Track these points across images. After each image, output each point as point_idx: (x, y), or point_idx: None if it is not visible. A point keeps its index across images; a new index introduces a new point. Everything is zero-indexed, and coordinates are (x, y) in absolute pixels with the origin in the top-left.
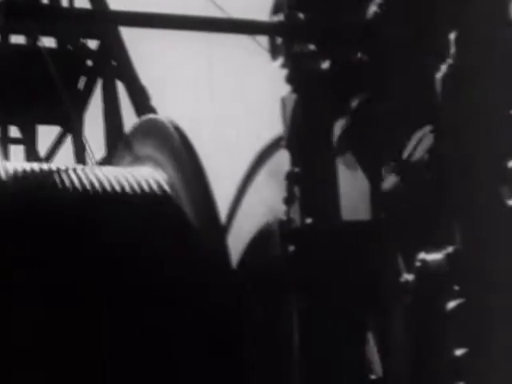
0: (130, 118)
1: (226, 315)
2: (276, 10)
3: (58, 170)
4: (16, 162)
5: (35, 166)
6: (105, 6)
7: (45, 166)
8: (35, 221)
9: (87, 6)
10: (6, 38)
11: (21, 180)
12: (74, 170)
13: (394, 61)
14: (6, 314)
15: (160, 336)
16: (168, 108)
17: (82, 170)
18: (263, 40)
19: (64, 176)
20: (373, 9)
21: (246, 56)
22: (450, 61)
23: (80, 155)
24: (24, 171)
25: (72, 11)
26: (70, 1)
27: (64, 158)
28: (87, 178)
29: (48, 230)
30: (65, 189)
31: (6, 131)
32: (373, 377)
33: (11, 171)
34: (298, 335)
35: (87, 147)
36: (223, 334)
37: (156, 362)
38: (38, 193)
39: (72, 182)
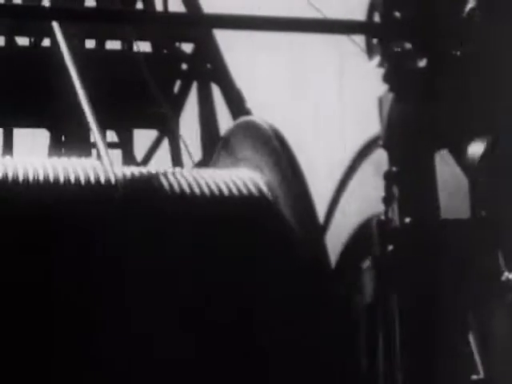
0: (225, 121)
1: (326, 314)
2: (372, 9)
3: (163, 174)
4: (125, 166)
5: (141, 169)
6: (199, 9)
7: (151, 170)
8: (144, 224)
9: (181, 9)
10: (102, 44)
11: (129, 184)
12: (177, 174)
13: (493, 57)
14: None
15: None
16: (263, 110)
17: (182, 173)
18: (360, 40)
19: (166, 179)
20: (470, 4)
21: (343, 56)
22: None
23: (176, 158)
24: (132, 175)
25: (166, 15)
26: (164, 5)
27: (161, 162)
28: (187, 180)
29: (157, 232)
30: (166, 191)
31: (103, 136)
32: (475, 377)
33: (120, 175)
34: (399, 335)
35: (185, 149)
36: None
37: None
38: (144, 195)
39: (172, 184)
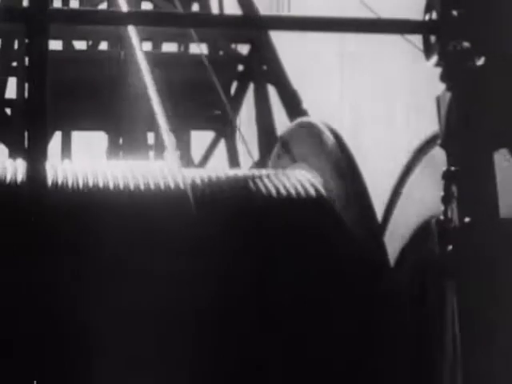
0: (281, 122)
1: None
2: (429, 8)
3: (225, 175)
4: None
5: (205, 172)
6: (255, 10)
7: (216, 172)
8: (216, 228)
9: (237, 11)
10: (158, 46)
11: (196, 187)
12: (237, 176)
13: None
14: None
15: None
16: (319, 111)
17: (243, 174)
18: (417, 39)
19: (228, 181)
20: None
21: (400, 56)
22: None
23: (234, 160)
24: (201, 178)
25: (223, 17)
26: (220, 7)
27: (217, 163)
28: (246, 182)
29: (226, 234)
30: (230, 193)
31: (160, 138)
32: None
33: (189, 179)
34: (460, 335)
35: (244, 150)
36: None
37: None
38: (211, 199)
39: (234, 187)
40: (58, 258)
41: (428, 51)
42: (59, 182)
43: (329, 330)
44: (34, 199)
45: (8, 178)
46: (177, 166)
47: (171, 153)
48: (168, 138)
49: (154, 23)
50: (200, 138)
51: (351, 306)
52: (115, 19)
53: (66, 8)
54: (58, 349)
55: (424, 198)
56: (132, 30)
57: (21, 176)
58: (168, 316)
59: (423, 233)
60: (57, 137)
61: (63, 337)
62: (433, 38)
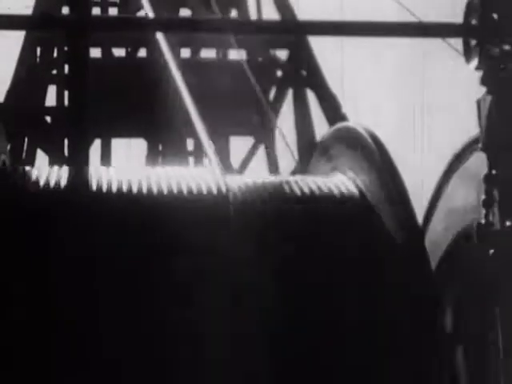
0: (320, 127)
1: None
2: (469, 11)
3: (267, 182)
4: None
5: (246, 178)
6: (293, 15)
7: (258, 179)
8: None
9: (275, 16)
10: (197, 53)
11: (239, 194)
12: (279, 180)
13: None
14: None
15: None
16: (358, 115)
17: (286, 179)
18: (457, 42)
19: (272, 187)
20: None
21: (441, 59)
22: None
23: (273, 165)
24: (243, 184)
25: (262, 23)
26: (258, 12)
27: (257, 169)
28: (290, 186)
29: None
30: (274, 199)
31: (200, 144)
32: None
33: (232, 185)
34: (502, 342)
35: (283, 155)
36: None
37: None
38: (253, 206)
39: (272, 192)
40: (106, 266)
41: (468, 55)
42: (103, 188)
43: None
44: (77, 206)
45: (50, 185)
46: (218, 172)
47: (212, 159)
48: (208, 144)
49: (192, 30)
50: (239, 144)
51: (394, 306)
52: (154, 26)
53: (106, 15)
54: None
55: (464, 203)
56: (170, 37)
57: (63, 183)
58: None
59: (464, 238)
60: (96, 144)
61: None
62: (473, 42)
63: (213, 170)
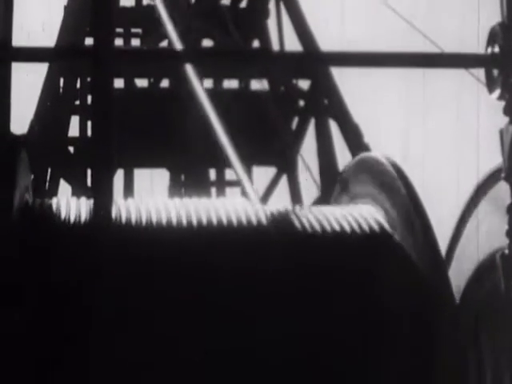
0: (343, 155)
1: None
2: (491, 41)
3: (296, 212)
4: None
5: (281, 208)
6: (315, 45)
7: (288, 208)
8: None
9: (297, 47)
10: (220, 82)
11: (277, 223)
12: (306, 212)
13: None
14: None
15: None
16: (380, 145)
17: (310, 210)
18: (479, 72)
19: (299, 217)
20: None
21: (462, 89)
22: None
23: (296, 195)
24: (279, 213)
25: (284, 53)
26: (280, 41)
27: (279, 199)
28: (316, 218)
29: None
30: (303, 229)
31: (222, 174)
32: None
33: (269, 214)
34: None
35: (307, 185)
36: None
37: None
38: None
39: (304, 223)
40: (126, 295)
41: (491, 84)
42: (132, 219)
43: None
44: (101, 237)
45: (75, 220)
46: (257, 202)
47: (248, 189)
48: (243, 174)
49: (215, 61)
50: (262, 173)
51: (418, 339)
52: (177, 57)
53: (130, 46)
54: None
55: (488, 233)
56: (193, 67)
57: (86, 215)
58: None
59: (488, 268)
60: (119, 174)
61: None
62: (495, 71)
63: (251, 200)
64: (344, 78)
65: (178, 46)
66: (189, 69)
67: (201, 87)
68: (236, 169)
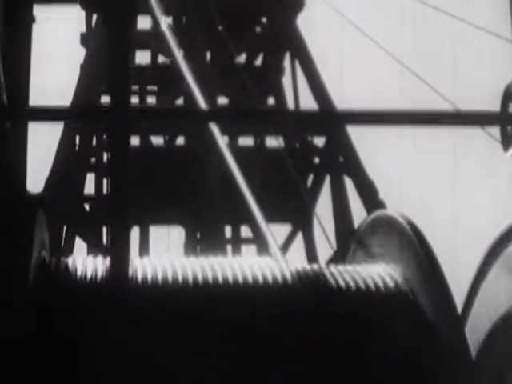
0: (359, 213)
1: None
2: (506, 99)
3: (320, 269)
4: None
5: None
6: (330, 103)
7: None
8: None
9: (313, 105)
10: (234, 140)
11: (305, 281)
12: (329, 270)
13: None
14: None
15: None
16: (397, 202)
17: (331, 269)
18: (495, 131)
19: (323, 275)
20: None
21: (477, 147)
22: None
23: (311, 252)
24: (305, 272)
25: (299, 113)
26: (295, 99)
27: (295, 256)
28: (336, 276)
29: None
30: (327, 287)
31: (237, 232)
32: None
33: (294, 272)
34: None
35: (322, 243)
36: None
37: None
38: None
39: (328, 281)
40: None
41: (506, 142)
42: (148, 278)
43: None
44: (119, 297)
45: (92, 279)
46: (282, 260)
47: (273, 246)
48: (267, 231)
49: (231, 120)
50: (277, 231)
51: None
52: (194, 116)
53: (146, 105)
54: None
55: (504, 291)
56: (213, 127)
57: (103, 273)
58: None
59: (506, 325)
60: (134, 231)
61: None
62: (510, 129)
63: (276, 258)
64: (358, 131)
65: (200, 102)
66: (212, 125)
67: (224, 144)
68: (260, 225)
